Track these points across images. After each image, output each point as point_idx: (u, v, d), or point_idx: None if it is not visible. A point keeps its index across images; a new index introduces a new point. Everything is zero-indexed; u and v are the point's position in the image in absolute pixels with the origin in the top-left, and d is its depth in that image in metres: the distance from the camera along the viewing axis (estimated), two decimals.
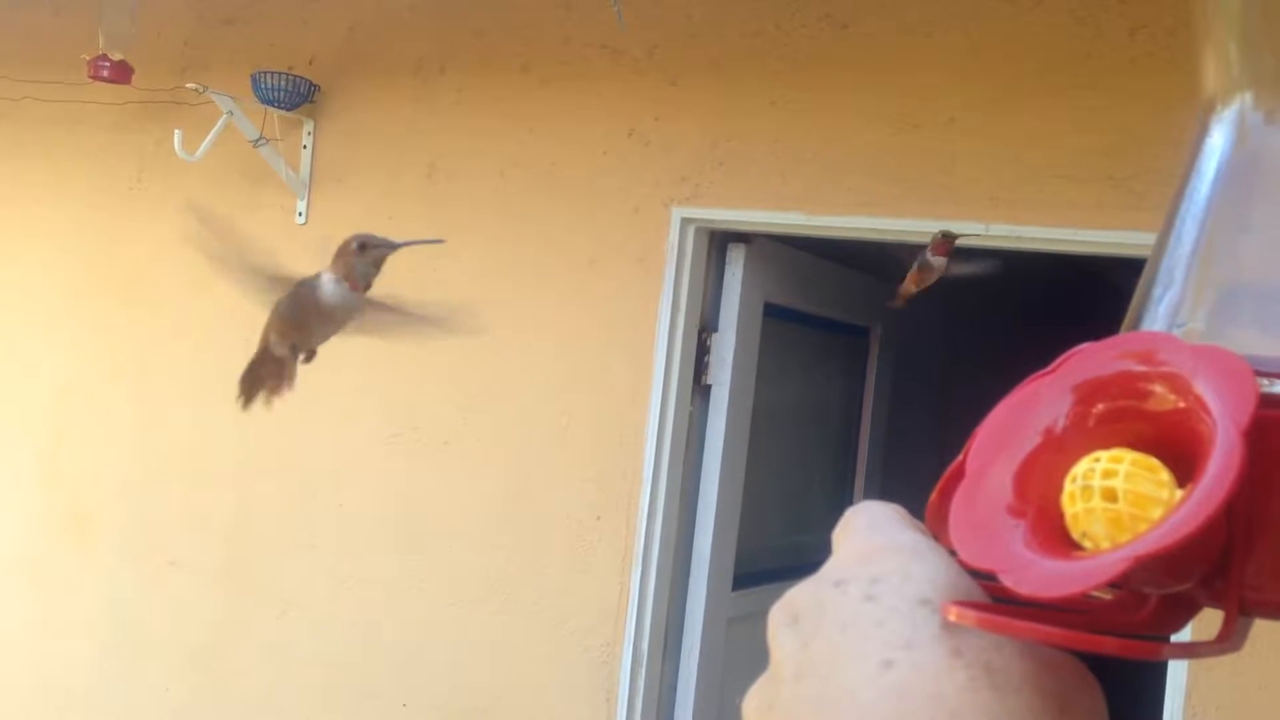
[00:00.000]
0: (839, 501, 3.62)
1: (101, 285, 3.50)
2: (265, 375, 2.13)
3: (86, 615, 3.45)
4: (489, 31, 3.00)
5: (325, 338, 2.07)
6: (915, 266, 2.58)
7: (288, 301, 2.01)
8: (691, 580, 2.89)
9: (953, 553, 0.33)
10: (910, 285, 2.63)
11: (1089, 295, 4.44)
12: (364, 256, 1.93)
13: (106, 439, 3.46)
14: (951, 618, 0.30)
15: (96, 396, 3.49)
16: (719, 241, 2.87)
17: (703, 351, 2.85)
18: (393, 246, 1.96)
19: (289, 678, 3.15)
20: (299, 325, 2.02)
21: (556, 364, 2.86)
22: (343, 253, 1.97)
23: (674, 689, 2.88)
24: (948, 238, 2.51)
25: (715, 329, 2.88)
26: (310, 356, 2.12)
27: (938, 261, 2.54)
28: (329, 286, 1.94)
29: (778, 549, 3.29)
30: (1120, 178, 2.34)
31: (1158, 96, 2.29)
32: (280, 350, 2.07)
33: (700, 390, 2.87)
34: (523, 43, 2.96)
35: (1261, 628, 0.34)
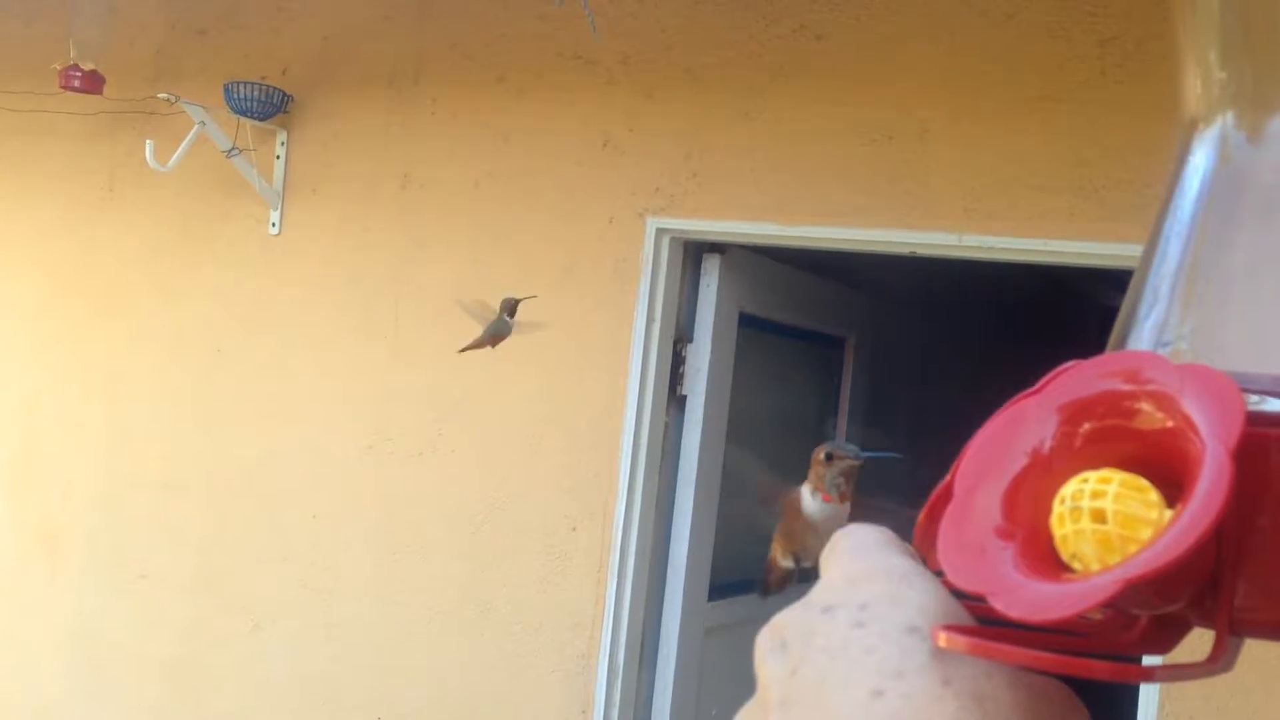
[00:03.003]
0: None
1: (72, 296, 3.47)
2: (777, 581, 2.24)
3: (55, 629, 3.41)
4: (463, 42, 3.00)
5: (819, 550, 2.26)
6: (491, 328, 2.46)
7: (780, 513, 2.09)
8: (667, 591, 2.88)
9: (939, 574, 0.33)
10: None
11: (1060, 305, 4.48)
12: (831, 467, 1.95)
13: (77, 450, 3.42)
14: (941, 643, 0.30)
15: (67, 407, 3.45)
16: (694, 252, 2.87)
17: (678, 362, 2.85)
18: (857, 455, 1.99)
19: (262, 691, 3.12)
20: (791, 537, 2.09)
21: (531, 374, 2.86)
22: (814, 463, 2.00)
23: (650, 700, 2.87)
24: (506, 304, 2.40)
25: (690, 339, 2.88)
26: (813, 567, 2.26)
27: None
28: (806, 499, 1.99)
29: (754, 559, 3.29)
30: (1092, 188, 2.36)
31: (1128, 108, 2.31)
32: (785, 561, 2.17)
33: (675, 400, 2.87)
34: (497, 53, 2.96)
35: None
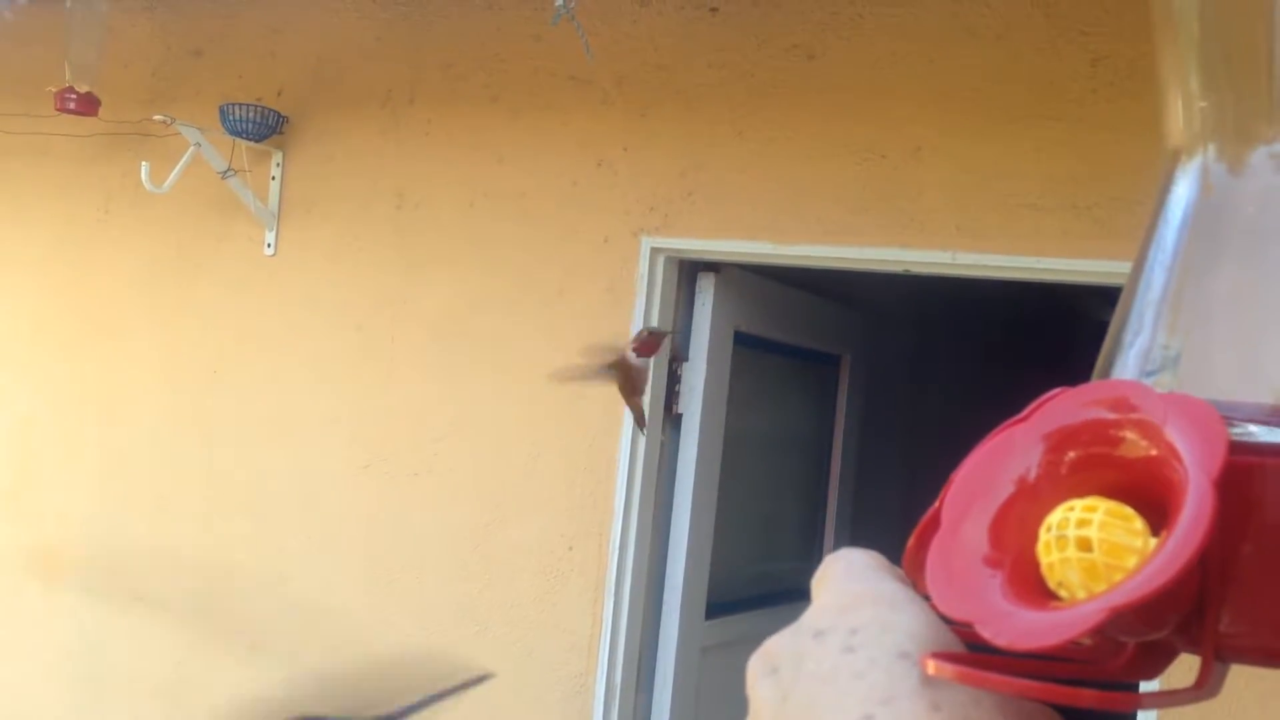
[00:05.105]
0: (811, 530, 3.62)
1: (68, 317, 3.47)
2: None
3: (51, 651, 3.40)
4: (458, 62, 3.01)
5: None
6: (613, 366, 2.44)
7: None
8: (664, 610, 2.88)
9: (928, 598, 0.33)
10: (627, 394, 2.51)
11: (1054, 321, 4.49)
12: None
13: (72, 470, 3.42)
14: (930, 671, 0.30)
15: (62, 428, 3.45)
16: (689, 271, 2.88)
17: (673, 381, 2.86)
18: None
19: None
20: None
21: (527, 393, 2.86)
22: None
23: (648, 719, 2.87)
24: (654, 335, 2.40)
25: (686, 358, 2.88)
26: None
27: (639, 361, 2.41)
28: None
29: (750, 577, 3.29)
30: (1084, 206, 2.37)
31: (1119, 126, 2.32)
32: None
33: (671, 419, 2.87)
34: (492, 74, 2.97)
35: None
